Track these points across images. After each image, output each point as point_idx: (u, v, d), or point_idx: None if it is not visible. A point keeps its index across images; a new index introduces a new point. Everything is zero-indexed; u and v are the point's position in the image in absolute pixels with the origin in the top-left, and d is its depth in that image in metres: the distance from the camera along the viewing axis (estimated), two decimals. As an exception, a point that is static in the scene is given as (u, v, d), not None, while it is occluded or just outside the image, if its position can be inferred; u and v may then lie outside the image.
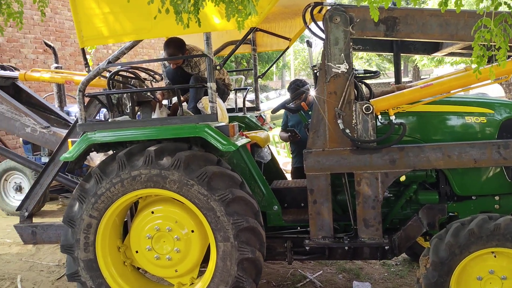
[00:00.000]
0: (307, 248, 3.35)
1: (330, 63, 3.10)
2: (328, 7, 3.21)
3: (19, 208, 3.89)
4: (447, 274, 2.81)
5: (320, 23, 3.27)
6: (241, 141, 3.30)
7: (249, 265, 3.08)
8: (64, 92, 6.72)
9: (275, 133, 7.55)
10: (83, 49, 3.31)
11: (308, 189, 3.21)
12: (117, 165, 3.15)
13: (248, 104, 4.75)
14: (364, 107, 3.08)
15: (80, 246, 3.28)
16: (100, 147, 3.53)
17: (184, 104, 3.98)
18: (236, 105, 4.81)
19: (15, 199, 6.98)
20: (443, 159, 3.04)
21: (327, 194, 3.19)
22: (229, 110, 4.54)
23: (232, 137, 3.18)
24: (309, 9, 3.26)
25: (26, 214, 3.88)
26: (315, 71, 3.37)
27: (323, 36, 3.19)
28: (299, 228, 3.52)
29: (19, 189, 6.94)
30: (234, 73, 14.92)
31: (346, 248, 3.39)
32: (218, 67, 3.21)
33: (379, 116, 3.19)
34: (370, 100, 3.17)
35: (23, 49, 9.08)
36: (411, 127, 3.28)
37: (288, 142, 4.90)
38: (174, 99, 4.57)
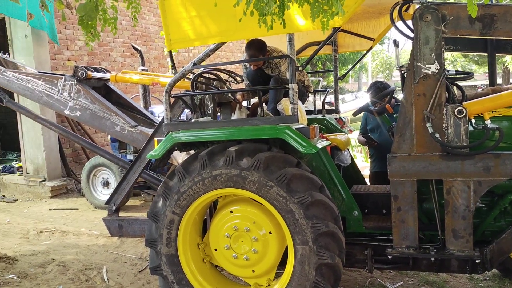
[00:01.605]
0: (389, 257, 3.21)
1: (419, 63, 2.94)
2: (417, 5, 3.06)
3: (107, 202, 4.12)
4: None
5: (409, 22, 3.13)
6: (321, 144, 3.24)
7: (327, 270, 3.01)
8: (149, 93, 7.07)
9: (354, 136, 7.37)
10: (170, 52, 3.42)
11: (392, 196, 3.08)
12: (199, 164, 3.22)
13: (325, 106, 4.67)
14: (456, 110, 2.89)
15: (163, 241, 3.39)
16: (183, 146, 3.63)
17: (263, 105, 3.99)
18: (314, 107, 4.75)
19: (103, 194, 7.44)
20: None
21: (412, 201, 3.03)
22: (308, 112, 4.49)
23: (312, 139, 3.13)
24: (397, 7, 3.13)
25: (114, 208, 4.10)
26: (402, 72, 3.22)
27: (411, 35, 3.04)
28: (379, 235, 3.39)
29: (106, 184, 7.39)
30: (309, 75, 14.77)
31: (432, 259, 3.20)
32: (300, 68, 3.17)
33: (472, 120, 2.98)
34: (462, 103, 2.98)
35: (112, 53, 9.67)
36: (508, 133, 3.03)
37: (367, 146, 4.75)
38: (253, 100, 4.62)
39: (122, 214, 7.09)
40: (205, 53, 3.27)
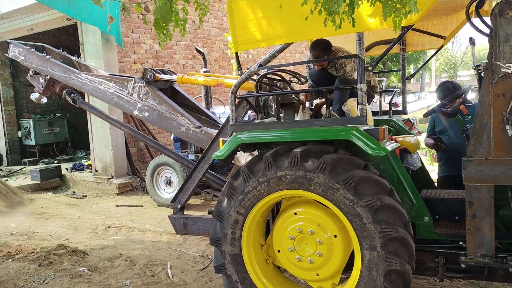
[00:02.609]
0: (462, 265, 3.05)
1: (498, 62, 2.77)
2: (496, 1, 2.89)
3: (173, 201, 4.23)
4: None
5: (486, 19, 2.96)
6: (391, 146, 3.14)
7: (397, 277, 2.90)
8: (210, 95, 7.20)
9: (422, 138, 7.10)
10: (236, 54, 3.46)
11: (467, 201, 2.92)
12: (264, 165, 3.22)
13: (385, 107, 4.53)
14: (539, 112, 2.69)
15: (227, 240, 3.43)
16: (247, 146, 3.66)
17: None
18: (380, 108, 4.62)
19: (166, 192, 7.67)
20: None
21: (489, 208, 2.86)
22: (374, 113, 4.37)
23: (381, 141, 3.04)
24: (474, 4, 2.97)
25: (179, 206, 4.19)
26: (479, 71, 3.05)
27: (488, 32, 2.88)
28: (450, 243, 3.24)
29: (169, 182, 7.60)
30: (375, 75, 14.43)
31: (510, 269, 3.01)
32: (369, 68, 3.09)
33: (558, 123, 2.76)
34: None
35: (175, 55, 9.95)
36: None
37: (434, 149, 4.54)
38: (316, 101, 4.57)
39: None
40: (271, 54, 3.26)
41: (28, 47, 5.17)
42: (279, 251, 3.44)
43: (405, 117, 4.60)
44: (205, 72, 6.53)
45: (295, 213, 3.37)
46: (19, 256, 5.11)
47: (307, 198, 3.33)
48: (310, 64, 4.39)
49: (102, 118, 5.22)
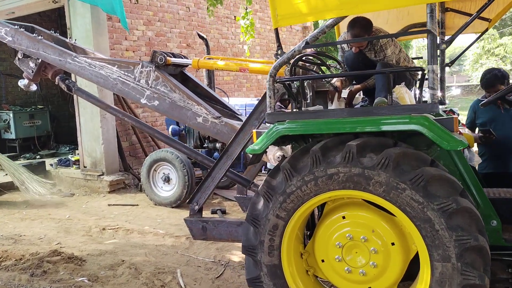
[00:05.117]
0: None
1: None
2: None
3: (190, 201, 3.70)
4: None
5: None
6: (463, 139, 2.68)
7: (476, 294, 2.46)
8: (213, 84, 6.66)
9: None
10: (276, 30, 2.95)
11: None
12: (310, 161, 2.74)
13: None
14: None
15: (264, 249, 2.93)
16: (281, 140, 3.16)
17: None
18: (416, 97, 4.18)
19: (163, 190, 7.10)
20: None
21: None
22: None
23: (455, 133, 2.58)
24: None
25: (197, 208, 3.66)
26: None
27: None
28: None
29: (167, 179, 7.03)
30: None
31: None
32: (449, 64, 2.63)
33: None
34: None
35: (169, 43, 9.34)
36: None
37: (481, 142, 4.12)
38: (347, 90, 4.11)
39: (184, 211, 6.74)
40: (321, 29, 2.76)
41: (16, 27, 4.54)
42: (323, 260, 2.96)
43: (441, 107, 4.17)
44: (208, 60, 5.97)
45: (344, 217, 2.90)
46: (7, 264, 4.49)
47: (357, 199, 2.87)
48: (344, 46, 3.92)
49: (102, 108, 4.63)
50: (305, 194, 2.78)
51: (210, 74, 6.56)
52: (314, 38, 2.79)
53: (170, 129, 7.28)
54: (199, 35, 6.40)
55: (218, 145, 7.31)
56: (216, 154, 7.27)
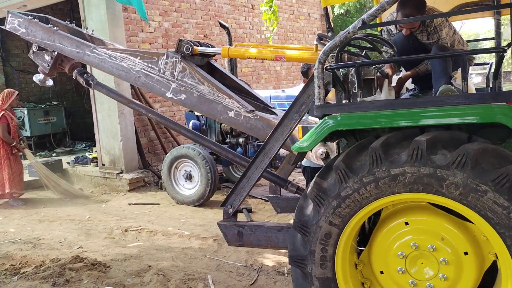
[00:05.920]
0: None
1: None
2: None
3: (223, 204, 3.36)
4: None
5: None
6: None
7: None
8: (237, 76, 6.28)
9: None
10: (326, 9, 2.58)
11: None
12: (370, 160, 2.37)
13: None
14: None
15: (315, 260, 2.58)
16: (329, 135, 2.79)
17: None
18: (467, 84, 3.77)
19: (185, 188, 6.79)
20: None
21: None
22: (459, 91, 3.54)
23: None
24: None
25: (231, 211, 3.33)
26: None
27: None
28: None
29: (189, 177, 6.71)
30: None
31: None
32: None
33: None
34: None
35: (186, 34, 8.99)
36: None
37: None
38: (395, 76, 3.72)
39: (207, 210, 6.42)
40: (380, 7, 2.38)
41: (30, 17, 4.21)
42: (382, 272, 2.61)
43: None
44: (230, 49, 5.60)
45: (407, 223, 2.53)
46: (27, 271, 4.22)
47: (419, 203, 2.51)
48: (392, 28, 3.53)
49: (123, 103, 4.30)
50: (364, 198, 2.42)
51: (233, 64, 6.19)
52: (372, 16, 2.41)
53: (190, 124, 6.95)
54: (220, 23, 6.02)
55: (241, 140, 6.97)
56: (239, 149, 6.93)
